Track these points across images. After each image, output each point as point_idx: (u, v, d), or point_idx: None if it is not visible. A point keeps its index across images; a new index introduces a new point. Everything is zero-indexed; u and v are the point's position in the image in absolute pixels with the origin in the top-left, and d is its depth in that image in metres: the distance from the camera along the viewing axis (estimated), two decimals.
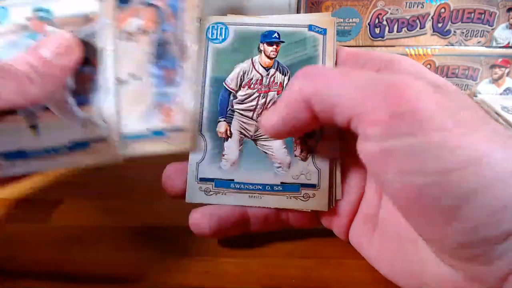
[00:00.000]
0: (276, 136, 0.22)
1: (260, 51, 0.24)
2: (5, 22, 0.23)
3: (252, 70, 0.24)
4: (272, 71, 0.24)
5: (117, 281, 0.22)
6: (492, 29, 0.44)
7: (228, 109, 0.24)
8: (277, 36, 0.24)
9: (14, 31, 0.23)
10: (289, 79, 0.24)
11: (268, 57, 0.24)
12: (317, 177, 0.23)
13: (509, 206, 0.14)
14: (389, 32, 0.44)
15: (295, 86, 0.19)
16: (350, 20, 0.43)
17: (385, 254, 0.21)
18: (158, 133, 0.23)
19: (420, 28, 0.44)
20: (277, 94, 0.24)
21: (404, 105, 0.15)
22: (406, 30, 0.44)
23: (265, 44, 0.24)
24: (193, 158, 0.24)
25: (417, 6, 0.43)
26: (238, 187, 0.23)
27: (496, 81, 0.46)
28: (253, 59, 0.24)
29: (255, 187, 0.23)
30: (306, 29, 0.24)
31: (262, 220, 0.23)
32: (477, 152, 0.15)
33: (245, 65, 0.24)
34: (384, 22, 0.44)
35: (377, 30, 0.44)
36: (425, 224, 0.16)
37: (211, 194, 0.23)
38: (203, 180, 0.23)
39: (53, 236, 0.26)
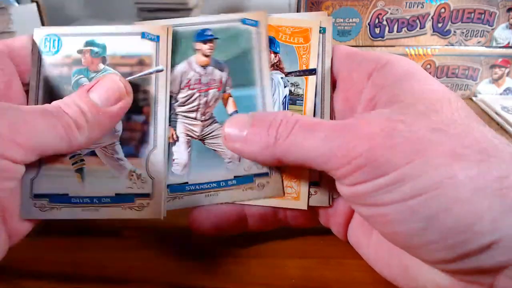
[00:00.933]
0: (241, 157, 0.23)
1: (195, 50, 0.24)
2: (58, 52, 0.23)
3: (189, 71, 0.24)
4: (210, 69, 0.24)
5: (117, 281, 0.22)
6: (492, 29, 0.44)
7: (170, 113, 0.23)
8: (211, 34, 0.24)
9: (66, 64, 0.23)
10: (228, 75, 0.24)
11: (205, 55, 0.24)
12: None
13: (479, 223, 0.15)
14: (389, 32, 0.44)
15: (267, 143, 0.20)
16: (350, 20, 0.43)
17: (383, 255, 0.21)
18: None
19: (420, 28, 0.44)
20: (218, 91, 0.23)
21: (361, 159, 0.17)
22: (406, 30, 0.44)
23: (200, 43, 0.24)
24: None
25: (417, 6, 0.43)
26: (193, 188, 0.23)
27: (496, 81, 0.46)
28: (189, 59, 0.24)
29: (210, 185, 0.23)
30: (240, 23, 0.24)
31: (259, 219, 0.23)
32: (436, 177, 0.16)
33: (180, 67, 0.24)
34: (384, 22, 0.44)
35: (377, 30, 0.44)
36: (402, 246, 0.18)
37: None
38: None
39: (53, 236, 0.26)
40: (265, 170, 0.23)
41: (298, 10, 0.44)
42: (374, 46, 0.45)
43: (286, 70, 0.24)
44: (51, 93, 0.23)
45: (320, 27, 0.23)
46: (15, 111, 0.19)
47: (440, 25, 0.44)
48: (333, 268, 0.23)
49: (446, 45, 0.45)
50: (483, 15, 0.43)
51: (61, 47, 0.23)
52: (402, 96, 0.19)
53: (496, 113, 0.42)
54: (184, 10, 0.68)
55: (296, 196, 0.23)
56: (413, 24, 0.44)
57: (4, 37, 0.46)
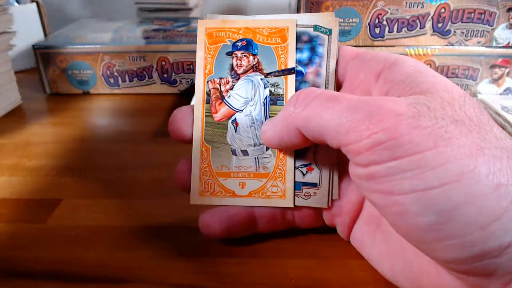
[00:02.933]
0: (274, 148, 0.23)
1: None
2: None
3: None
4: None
5: (117, 281, 0.22)
6: (492, 29, 0.44)
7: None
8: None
9: None
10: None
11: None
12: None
13: (498, 221, 0.14)
14: (389, 32, 0.44)
15: (288, 112, 0.20)
16: (350, 20, 0.43)
17: (386, 255, 0.21)
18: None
19: (420, 28, 0.44)
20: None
21: (383, 133, 0.16)
22: (406, 30, 0.44)
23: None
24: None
25: (417, 6, 0.43)
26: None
27: (496, 81, 0.46)
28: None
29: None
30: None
31: (268, 220, 0.24)
32: (460, 168, 0.15)
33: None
34: (384, 22, 0.44)
35: (377, 30, 0.44)
36: (415, 241, 0.17)
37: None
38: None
39: (53, 236, 0.26)
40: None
41: (298, 10, 0.44)
42: (374, 46, 0.45)
43: (265, 71, 0.24)
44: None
45: (326, 29, 0.23)
46: None
47: (440, 25, 0.44)
48: (333, 268, 0.23)
49: (446, 45, 0.44)
50: (483, 15, 0.43)
51: None
52: (422, 87, 0.18)
53: (496, 113, 0.42)
54: (184, 10, 0.68)
55: (282, 195, 0.23)
56: (413, 24, 0.44)
57: (4, 37, 0.46)
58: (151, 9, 0.69)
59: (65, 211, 0.28)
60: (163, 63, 0.49)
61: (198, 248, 0.24)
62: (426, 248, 0.17)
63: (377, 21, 0.43)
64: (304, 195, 0.23)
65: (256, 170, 0.24)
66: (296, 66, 0.24)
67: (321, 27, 0.23)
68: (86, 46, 0.49)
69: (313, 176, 0.23)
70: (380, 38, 0.44)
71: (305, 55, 0.24)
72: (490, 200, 0.14)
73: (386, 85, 0.20)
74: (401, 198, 0.16)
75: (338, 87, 0.23)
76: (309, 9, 0.43)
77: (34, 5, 0.59)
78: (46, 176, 0.32)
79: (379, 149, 0.16)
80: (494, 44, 0.44)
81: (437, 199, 0.15)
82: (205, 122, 0.24)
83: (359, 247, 0.23)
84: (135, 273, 0.23)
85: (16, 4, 0.59)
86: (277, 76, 0.24)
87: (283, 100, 0.23)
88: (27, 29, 0.56)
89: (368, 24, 0.44)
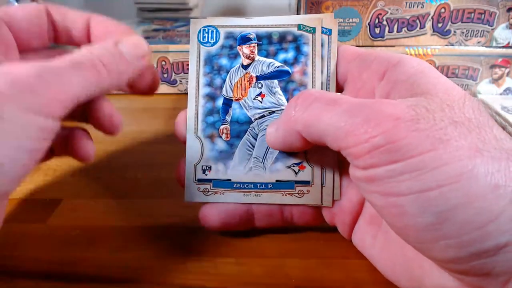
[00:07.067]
0: (279, 150, 0.23)
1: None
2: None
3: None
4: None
5: (117, 281, 0.22)
6: (492, 29, 0.44)
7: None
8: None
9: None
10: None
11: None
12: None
13: (495, 221, 0.15)
14: (389, 32, 0.44)
15: (288, 116, 0.20)
16: (350, 20, 0.43)
17: (387, 255, 0.21)
18: None
19: (420, 28, 0.44)
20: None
21: (382, 137, 0.16)
22: (406, 30, 0.44)
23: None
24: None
25: (417, 6, 0.43)
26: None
27: (496, 81, 0.46)
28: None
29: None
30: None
31: (266, 216, 0.24)
32: (458, 169, 0.15)
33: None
34: (384, 22, 0.44)
35: (377, 30, 0.44)
36: (414, 241, 0.17)
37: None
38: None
39: (53, 236, 0.26)
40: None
41: (298, 11, 0.44)
42: (374, 46, 0.45)
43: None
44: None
45: (325, 28, 0.23)
46: (47, 67, 0.18)
47: (440, 25, 0.44)
48: (333, 268, 0.23)
49: (446, 45, 0.45)
50: (483, 15, 0.43)
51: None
52: (423, 88, 0.18)
53: (496, 113, 0.42)
54: (184, 10, 0.68)
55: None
56: (413, 24, 0.44)
57: None
58: (151, 9, 0.69)
59: (65, 211, 0.28)
60: (163, 63, 0.49)
61: (198, 248, 0.24)
62: (424, 248, 0.17)
63: (377, 21, 0.43)
64: (298, 193, 0.23)
65: None
66: (282, 66, 0.24)
67: (305, 26, 0.24)
68: None
69: (305, 174, 0.23)
70: (380, 38, 0.44)
71: (290, 54, 0.24)
72: (487, 201, 0.15)
73: (388, 85, 0.20)
74: (399, 199, 0.16)
75: (339, 87, 0.23)
76: (309, 9, 0.43)
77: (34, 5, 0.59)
78: (46, 176, 0.32)
79: (377, 152, 0.16)
80: (494, 44, 0.44)
81: (435, 200, 0.15)
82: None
83: (361, 247, 0.23)
84: (135, 273, 0.23)
85: (16, 4, 0.59)
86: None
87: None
88: None
89: (368, 24, 0.44)
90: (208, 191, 0.24)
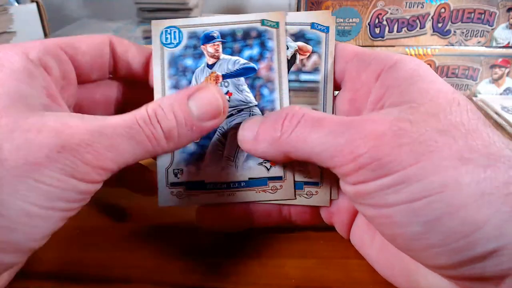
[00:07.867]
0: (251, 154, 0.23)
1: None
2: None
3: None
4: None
5: (117, 281, 0.22)
6: (492, 29, 0.44)
7: None
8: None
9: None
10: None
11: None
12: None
13: (481, 229, 0.15)
14: (389, 32, 0.44)
15: (274, 137, 0.20)
16: (350, 20, 0.43)
17: (385, 255, 0.21)
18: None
19: (420, 28, 0.44)
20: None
21: (367, 156, 0.17)
22: (406, 30, 0.44)
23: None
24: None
25: (417, 6, 0.43)
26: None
27: (496, 81, 0.46)
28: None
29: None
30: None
31: (263, 215, 0.24)
32: (441, 180, 0.15)
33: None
34: (384, 22, 0.44)
35: (377, 30, 0.44)
36: (404, 249, 0.18)
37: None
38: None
39: (53, 236, 0.25)
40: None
41: (298, 10, 0.44)
42: (374, 46, 0.45)
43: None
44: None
45: (323, 26, 0.23)
46: (102, 132, 0.18)
47: (440, 25, 0.44)
48: (333, 268, 0.23)
49: (446, 45, 0.45)
50: (483, 15, 0.43)
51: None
52: (410, 96, 0.18)
53: (496, 113, 0.42)
54: (184, 10, 0.68)
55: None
56: (413, 24, 0.44)
57: (4, 37, 0.46)
58: (151, 9, 0.69)
59: None
60: None
61: (198, 248, 0.24)
62: (414, 255, 0.17)
63: (377, 21, 0.44)
64: (271, 189, 0.23)
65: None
66: (248, 63, 0.23)
67: (269, 21, 0.23)
68: None
69: (277, 169, 0.23)
70: (380, 38, 0.44)
71: (255, 51, 0.23)
72: (472, 209, 0.15)
73: (381, 89, 0.20)
74: (387, 210, 0.17)
75: (336, 86, 0.23)
76: (309, 9, 0.43)
77: (34, 5, 0.59)
78: None
79: (364, 170, 0.17)
80: (494, 44, 0.44)
81: (420, 210, 0.16)
82: None
83: (359, 246, 0.23)
84: (135, 273, 0.23)
85: (16, 4, 0.59)
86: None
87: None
88: (27, 29, 0.56)
89: (368, 24, 0.44)
90: (182, 194, 0.23)
